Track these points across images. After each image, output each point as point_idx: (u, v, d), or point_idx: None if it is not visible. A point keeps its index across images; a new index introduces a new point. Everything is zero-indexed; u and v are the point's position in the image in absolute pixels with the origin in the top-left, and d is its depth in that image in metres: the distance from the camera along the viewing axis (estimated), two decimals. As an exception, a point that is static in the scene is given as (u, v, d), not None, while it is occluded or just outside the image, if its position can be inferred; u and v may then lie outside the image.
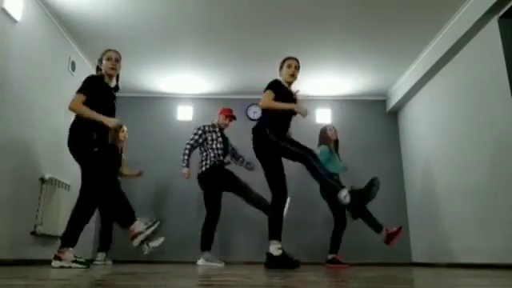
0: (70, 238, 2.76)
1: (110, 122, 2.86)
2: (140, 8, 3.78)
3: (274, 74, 5.27)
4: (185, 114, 5.64)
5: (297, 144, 3.10)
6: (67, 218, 4.12)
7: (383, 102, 5.74)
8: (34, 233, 3.58)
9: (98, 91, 2.95)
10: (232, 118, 4.41)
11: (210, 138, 4.21)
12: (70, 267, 2.64)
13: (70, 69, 4.33)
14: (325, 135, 4.32)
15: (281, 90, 3.20)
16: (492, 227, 3.43)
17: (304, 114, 3.09)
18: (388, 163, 5.47)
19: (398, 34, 4.17)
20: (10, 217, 3.27)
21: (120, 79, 3.21)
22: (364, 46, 4.41)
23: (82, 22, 3.99)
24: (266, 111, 3.19)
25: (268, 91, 3.14)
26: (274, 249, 2.94)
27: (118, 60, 3.09)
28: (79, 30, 4.13)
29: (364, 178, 5.39)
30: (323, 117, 5.66)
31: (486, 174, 3.54)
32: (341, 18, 3.92)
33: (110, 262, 4.32)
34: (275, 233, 3.01)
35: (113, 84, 3.16)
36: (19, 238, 3.42)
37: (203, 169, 4.12)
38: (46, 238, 3.82)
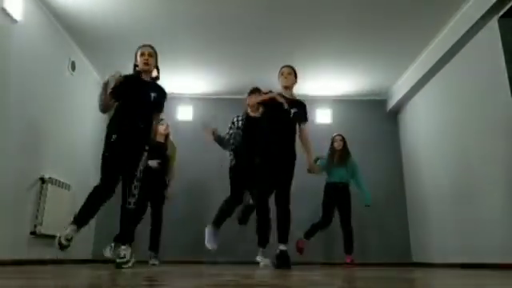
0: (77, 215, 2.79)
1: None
2: (140, 8, 3.78)
3: (274, 74, 5.28)
4: (185, 113, 5.64)
5: None
6: (67, 218, 4.15)
7: (383, 102, 5.74)
8: (33, 233, 3.58)
9: (127, 88, 2.95)
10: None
11: None
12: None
13: (70, 69, 4.33)
14: (331, 146, 4.48)
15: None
16: (492, 227, 3.43)
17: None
18: (388, 163, 5.47)
19: (398, 33, 4.17)
20: (10, 217, 3.26)
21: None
22: (364, 46, 4.41)
23: (82, 22, 3.99)
24: None
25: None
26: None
27: (151, 55, 3.04)
28: (79, 30, 4.13)
29: (364, 178, 5.41)
30: (323, 117, 5.66)
31: (486, 173, 3.54)
32: (341, 18, 3.91)
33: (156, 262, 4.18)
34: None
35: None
36: (19, 237, 3.42)
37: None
38: (45, 238, 3.82)
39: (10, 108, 3.27)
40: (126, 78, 2.97)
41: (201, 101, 5.70)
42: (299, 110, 3.40)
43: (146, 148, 2.96)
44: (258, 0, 3.67)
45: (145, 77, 3.03)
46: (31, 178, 3.59)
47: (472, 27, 3.56)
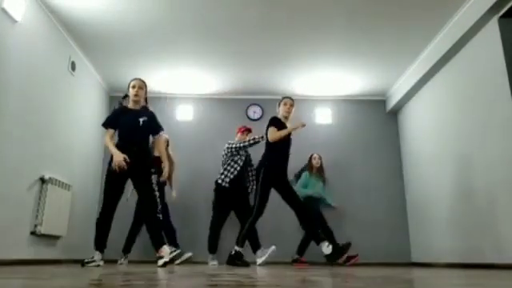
0: (95, 242, 3.18)
1: (115, 157, 3.14)
2: (140, 8, 3.78)
3: (274, 74, 5.29)
4: (185, 114, 5.64)
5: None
6: (67, 218, 4.17)
7: (383, 102, 5.74)
8: (34, 233, 3.58)
9: (119, 119, 3.32)
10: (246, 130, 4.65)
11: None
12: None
13: (70, 69, 4.33)
14: (309, 163, 4.80)
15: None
16: (491, 227, 3.43)
17: (301, 125, 3.58)
18: (388, 163, 5.47)
19: (398, 33, 4.17)
20: (9, 217, 3.27)
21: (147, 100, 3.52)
22: (364, 46, 4.41)
23: (82, 22, 3.99)
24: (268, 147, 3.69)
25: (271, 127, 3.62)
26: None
27: (141, 87, 3.38)
28: (79, 30, 4.13)
29: (364, 178, 5.42)
30: (323, 117, 5.66)
31: (485, 173, 3.54)
32: (341, 18, 3.92)
33: (125, 262, 4.39)
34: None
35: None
36: (19, 237, 3.42)
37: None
38: (46, 238, 3.82)
39: (10, 108, 3.27)
40: (116, 111, 3.36)
41: (201, 101, 5.70)
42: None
43: (152, 170, 3.24)
44: (259, 0, 3.67)
45: (134, 106, 3.37)
46: (31, 178, 3.59)
47: (472, 27, 3.56)
